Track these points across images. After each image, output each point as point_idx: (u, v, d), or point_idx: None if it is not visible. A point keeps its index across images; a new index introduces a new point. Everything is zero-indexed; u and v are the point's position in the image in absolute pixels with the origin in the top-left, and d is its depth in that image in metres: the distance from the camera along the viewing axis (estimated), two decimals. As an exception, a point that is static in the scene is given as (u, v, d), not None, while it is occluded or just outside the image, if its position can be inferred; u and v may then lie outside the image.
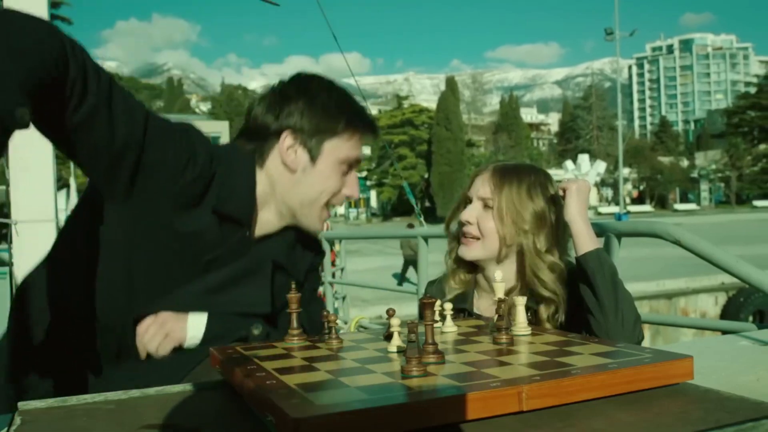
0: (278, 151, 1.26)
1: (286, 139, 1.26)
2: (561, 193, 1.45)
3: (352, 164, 1.31)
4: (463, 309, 1.55)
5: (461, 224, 1.53)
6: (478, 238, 1.49)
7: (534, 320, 1.42)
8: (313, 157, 1.26)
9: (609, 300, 1.33)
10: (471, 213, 1.50)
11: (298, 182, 1.27)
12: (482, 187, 1.50)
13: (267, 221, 1.31)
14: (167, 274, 1.21)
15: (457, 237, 1.56)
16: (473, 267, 1.58)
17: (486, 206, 1.49)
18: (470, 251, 1.51)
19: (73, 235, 1.27)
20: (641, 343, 1.35)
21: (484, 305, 1.56)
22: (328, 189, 1.29)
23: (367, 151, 57.61)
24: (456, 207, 1.58)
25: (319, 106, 1.26)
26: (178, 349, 1.22)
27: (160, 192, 1.13)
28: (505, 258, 1.49)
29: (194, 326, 1.22)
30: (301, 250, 1.41)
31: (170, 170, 1.12)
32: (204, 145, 1.19)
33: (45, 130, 1.02)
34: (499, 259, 1.49)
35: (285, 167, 1.27)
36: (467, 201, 1.54)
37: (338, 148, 1.27)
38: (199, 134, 1.21)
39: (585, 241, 1.38)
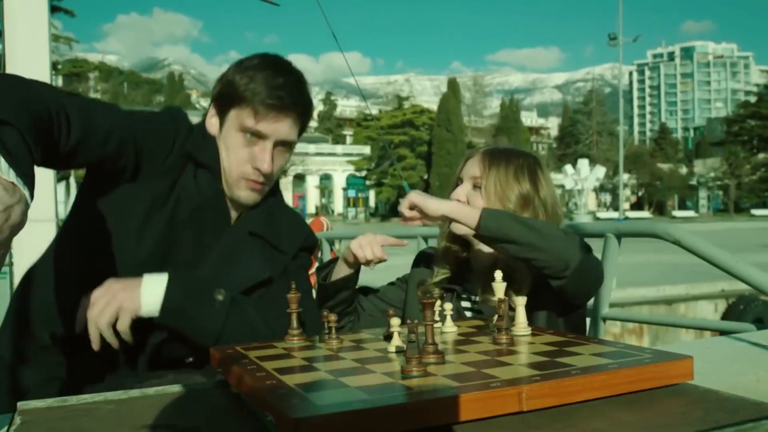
0: None
1: (210, 108, 1.37)
2: (407, 213, 1.42)
3: (260, 135, 1.32)
4: (451, 289, 1.58)
5: None
6: None
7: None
8: (221, 124, 1.35)
9: (529, 234, 1.29)
10: (461, 192, 1.55)
11: (221, 149, 1.35)
12: (472, 167, 1.56)
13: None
14: (166, 241, 1.26)
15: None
16: (465, 246, 1.60)
17: (475, 186, 1.54)
18: (462, 227, 1.52)
19: (77, 225, 1.30)
20: (589, 250, 1.34)
21: (473, 287, 1.58)
22: (236, 158, 1.33)
23: (366, 150, 57.73)
24: (451, 190, 1.61)
25: (231, 77, 1.33)
26: (137, 323, 1.17)
27: (163, 160, 1.25)
28: None
29: (150, 292, 1.18)
30: (286, 223, 1.46)
31: (164, 143, 1.25)
32: (184, 115, 1.36)
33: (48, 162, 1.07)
34: None
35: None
36: (459, 182, 1.59)
37: (237, 116, 1.32)
38: (177, 109, 1.37)
39: (469, 216, 1.34)
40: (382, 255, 1.56)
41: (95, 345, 1.13)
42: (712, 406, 0.73)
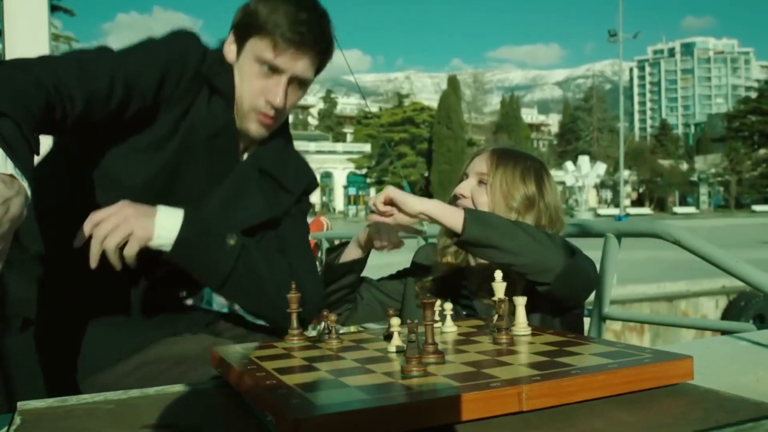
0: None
1: (229, 35, 1.33)
2: (382, 207, 1.40)
3: (276, 69, 1.29)
4: (448, 291, 1.57)
5: (456, 198, 1.57)
6: None
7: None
8: (239, 52, 1.31)
9: (509, 238, 1.27)
10: (465, 187, 1.56)
11: (236, 78, 1.31)
12: (480, 164, 1.56)
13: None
14: (173, 168, 1.25)
15: None
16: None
17: (481, 182, 1.55)
18: None
19: (66, 151, 1.27)
20: (576, 255, 1.33)
21: (470, 284, 1.58)
22: (249, 89, 1.30)
23: (366, 148, 57.72)
24: (455, 186, 1.61)
25: (254, 6, 1.29)
26: (144, 253, 1.13)
27: (173, 90, 1.23)
28: None
29: (164, 225, 1.14)
30: (293, 163, 1.45)
31: (171, 75, 1.22)
32: (192, 37, 1.30)
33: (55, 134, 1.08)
34: None
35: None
36: (464, 177, 1.60)
37: (256, 46, 1.28)
38: (186, 33, 1.30)
39: (450, 217, 1.32)
40: (398, 241, 1.55)
41: (93, 263, 1.09)
42: (712, 406, 0.73)
